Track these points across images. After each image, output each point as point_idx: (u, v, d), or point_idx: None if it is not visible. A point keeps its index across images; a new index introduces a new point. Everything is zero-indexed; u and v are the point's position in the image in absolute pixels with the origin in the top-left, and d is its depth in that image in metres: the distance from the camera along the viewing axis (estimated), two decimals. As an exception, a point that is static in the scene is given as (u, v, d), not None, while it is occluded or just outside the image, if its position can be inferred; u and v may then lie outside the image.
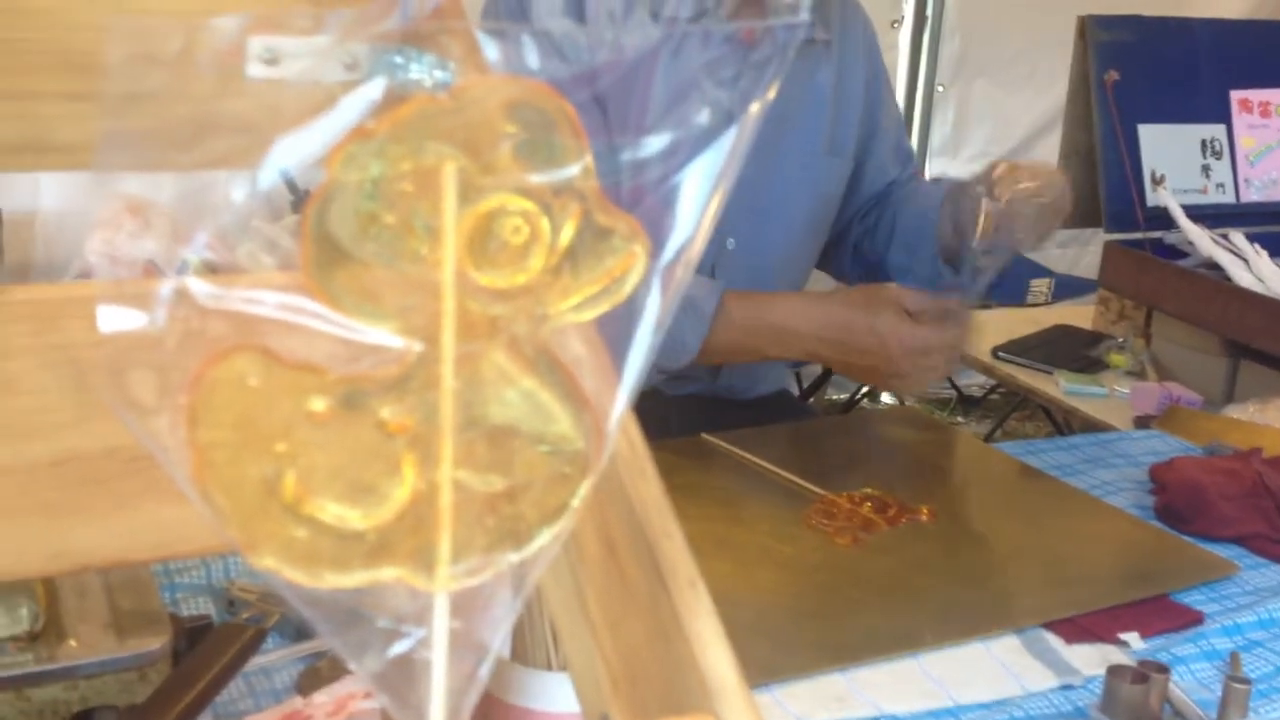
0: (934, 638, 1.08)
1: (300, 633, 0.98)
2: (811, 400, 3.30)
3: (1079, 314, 2.43)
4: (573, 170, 0.34)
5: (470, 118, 0.33)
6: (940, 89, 3.97)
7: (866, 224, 1.70)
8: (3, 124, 0.57)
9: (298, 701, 0.88)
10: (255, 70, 0.59)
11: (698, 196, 0.36)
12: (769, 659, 1.02)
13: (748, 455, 1.43)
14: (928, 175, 4.05)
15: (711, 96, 0.36)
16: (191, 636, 0.88)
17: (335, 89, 0.30)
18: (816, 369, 3.34)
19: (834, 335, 1.47)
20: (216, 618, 1.00)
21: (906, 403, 3.90)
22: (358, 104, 0.31)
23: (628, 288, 0.36)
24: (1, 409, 0.46)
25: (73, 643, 0.84)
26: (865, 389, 3.78)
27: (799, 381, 3.26)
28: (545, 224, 0.35)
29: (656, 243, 0.36)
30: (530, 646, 0.70)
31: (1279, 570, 1.29)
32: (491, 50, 0.33)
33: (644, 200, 0.36)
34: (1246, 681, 0.98)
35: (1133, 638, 1.12)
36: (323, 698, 0.86)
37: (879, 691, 1.01)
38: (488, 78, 0.33)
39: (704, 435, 1.48)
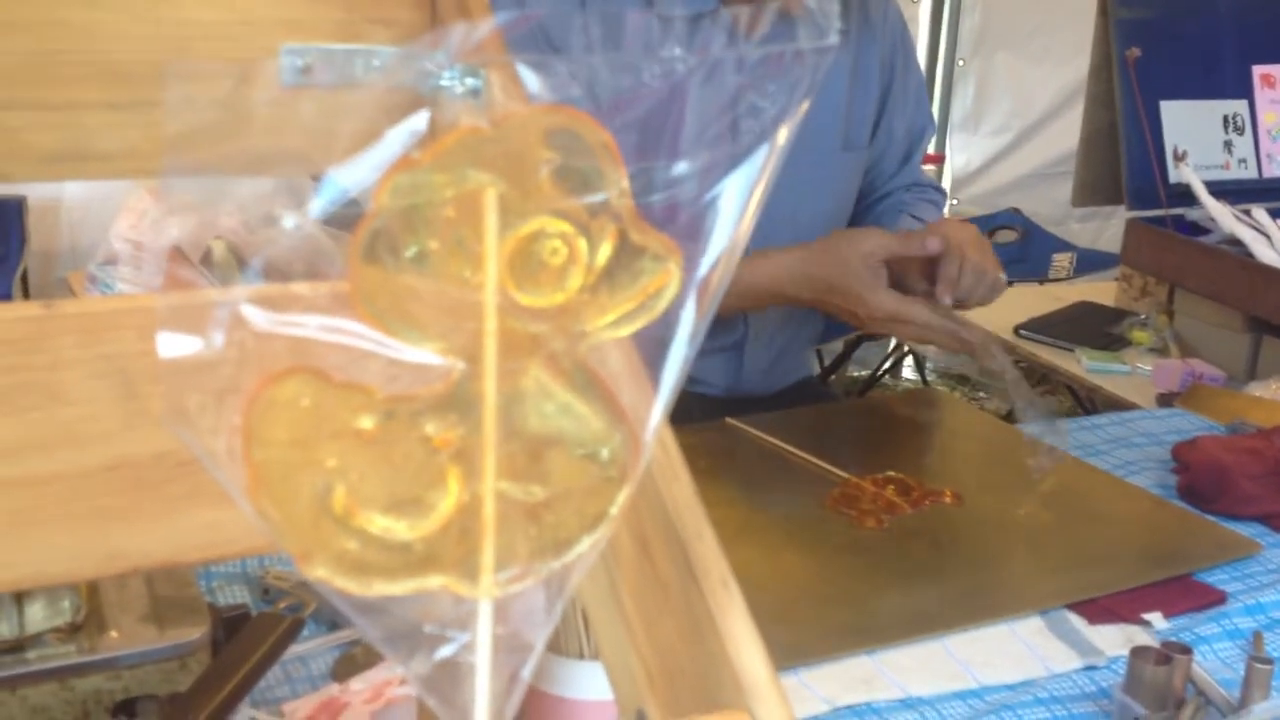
0: (958, 620, 1.10)
1: (336, 621, 1.00)
2: (833, 378, 3.31)
3: (1101, 290, 2.44)
4: (609, 193, 0.35)
5: (510, 146, 0.34)
6: (961, 63, 3.96)
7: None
8: (45, 133, 0.59)
9: (334, 688, 0.90)
10: (289, 79, 0.60)
11: (730, 214, 0.38)
12: (795, 642, 1.04)
13: (770, 439, 1.44)
14: (948, 150, 4.04)
15: (743, 120, 0.37)
16: (229, 626, 0.90)
17: (382, 125, 0.31)
18: (837, 346, 3.35)
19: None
20: (253, 605, 1.02)
21: (928, 376, 3.91)
22: (403, 136, 0.32)
23: (663, 304, 0.37)
24: (54, 418, 0.48)
25: (114, 634, 0.86)
26: (887, 367, 3.78)
27: (820, 360, 3.26)
28: (583, 245, 0.36)
29: (690, 260, 0.37)
30: (564, 637, 0.72)
31: (1302, 548, 1.30)
32: (531, 80, 0.34)
33: (678, 219, 0.37)
34: (1269, 661, 0.99)
35: (1156, 618, 1.13)
36: (359, 685, 0.88)
37: (905, 674, 1.03)
38: (527, 107, 0.34)
39: (727, 420, 1.49)
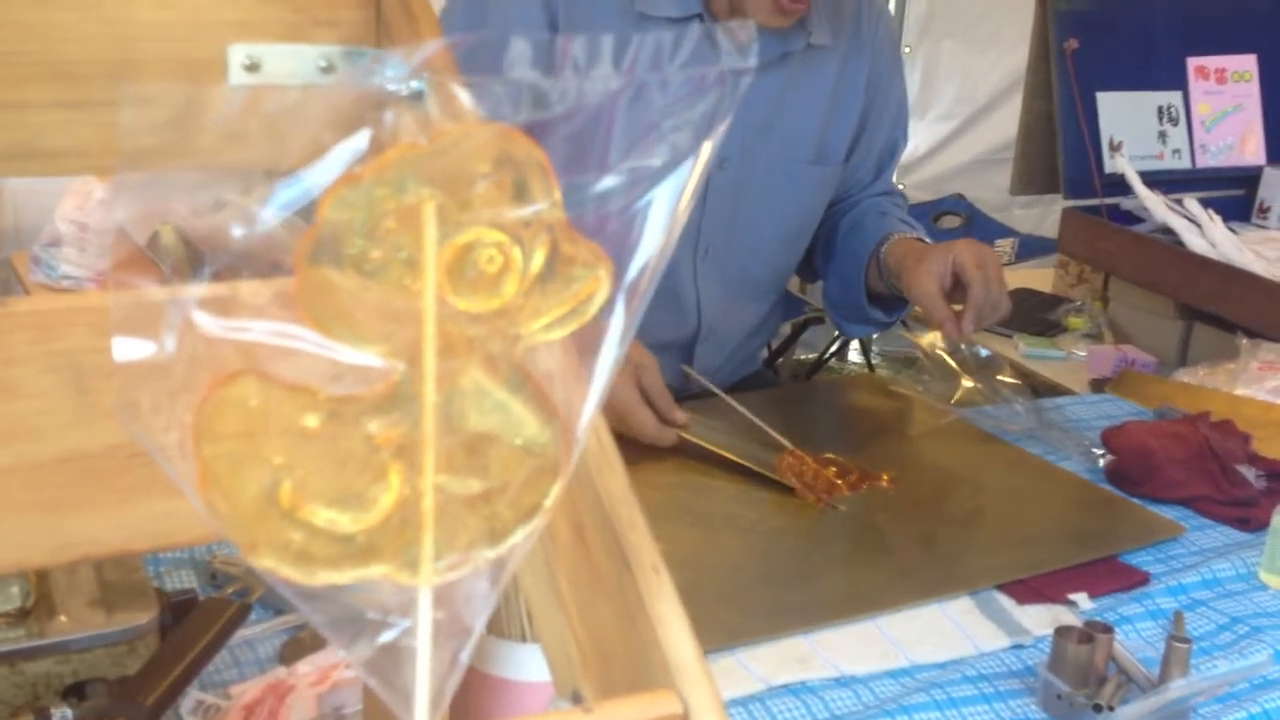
0: (892, 600, 1.13)
1: (282, 607, 1.02)
2: (780, 361, 3.35)
3: (1040, 277, 2.48)
4: (542, 205, 0.38)
5: (449, 160, 0.36)
6: (907, 50, 4.00)
7: (823, 231, 1.70)
8: (-4, 131, 0.60)
9: (281, 671, 0.92)
10: (237, 78, 0.62)
11: (657, 224, 0.40)
12: (734, 622, 1.07)
13: (725, 397, 1.48)
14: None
15: (669, 136, 0.39)
16: (177, 611, 0.92)
17: (328, 144, 0.33)
18: (785, 329, 3.38)
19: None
20: (200, 590, 1.04)
21: (873, 360, 3.96)
22: (346, 153, 0.34)
23: (593, 309, 0.40)
24: (7, 412, 0.50)
25: (63, 618, 0.87)
26: (834, 349, 3.82)
27: (768, 345, 3.30)
28: (517, 254, 0.38)
29: (619, 267, 0.40)
30: (506, 621, 0.74)
31: (1224, 531, 1.34)
32: (469, 98, 0.36)
33: (607, 229, 0.39)
34: (1187, 641, 1.03)
35: (1081, 598, 1.17)
36: (306, 668, 0.90)
37: (840, 653, 1.06)
38: (465, 124, 0.36)
39: (684, 367, 1.53)
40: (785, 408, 1.62)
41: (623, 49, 0.35)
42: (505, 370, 0.40)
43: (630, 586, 0.48)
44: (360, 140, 0.34)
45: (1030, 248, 3.65)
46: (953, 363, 1.60)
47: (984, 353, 1.68)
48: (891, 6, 4.01)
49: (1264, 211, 2.28)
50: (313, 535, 0.39)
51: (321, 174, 0.34)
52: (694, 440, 1.40)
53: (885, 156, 1.70)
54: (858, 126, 1.63)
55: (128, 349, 0.34)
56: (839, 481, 1.34)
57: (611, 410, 1.39)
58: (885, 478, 1.37)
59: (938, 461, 1.46)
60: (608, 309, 0.40)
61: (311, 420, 0.37)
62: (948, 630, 1.11)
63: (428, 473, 0.39)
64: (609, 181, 0.39)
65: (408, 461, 0.39)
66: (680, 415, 1.40)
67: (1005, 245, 3.60)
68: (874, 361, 3.95)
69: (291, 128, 0.34)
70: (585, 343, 0.41)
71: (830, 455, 1.40)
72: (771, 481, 1.34)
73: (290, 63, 0.62)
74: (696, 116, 0.38)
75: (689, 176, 0.40)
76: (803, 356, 3.87)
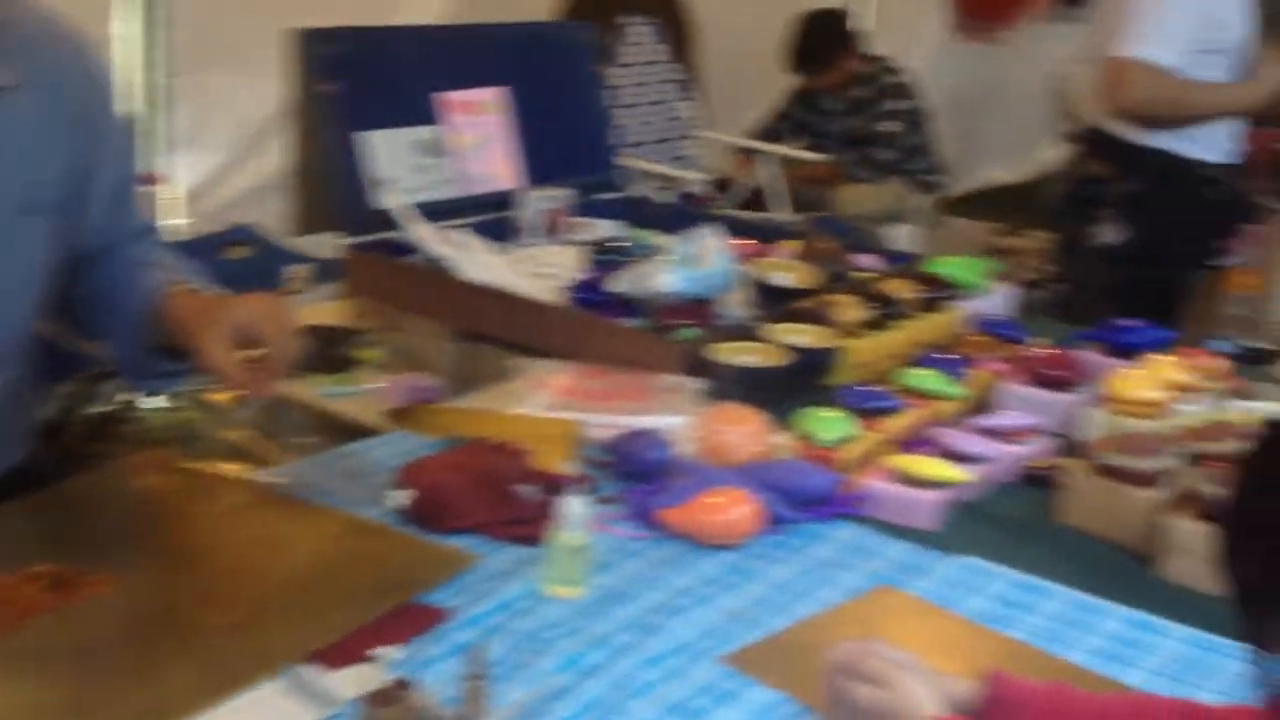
0: (189, 706, 1.07)
1: None
2: (69, 424, 3.10)
3: (332, 310, 2.52)
4: None
5: None
6: (173, 80, 3.87)
7: (85, 288, 1.58)
8: None
9: None
10: None
11: None
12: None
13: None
14: (173, 169, 3.95)
15: None
16: None
17: None
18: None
19: None
20: None
21: (176, 403, 3.80)
22: None
23: None
24: None
25: None
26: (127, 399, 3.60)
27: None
28: None
29: None
30: None
31: (513, 551, 1.44)
32: None
33: None
34: (480, 676, 1.09)
35: (387, 650, 1.20)
36: None
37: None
38: None
39: None
40: (38, 521, 1.44)
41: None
42: None
43: None
44: None
45: (329, 270, 3.69)
46: (249, 423, 1.57)
47: (280, 406, 1.67)
48: (158, 37, 3.85)
49: (523, 230, 2.48)
50: None
51: None
52: None
53: (122, 196, 1.59)
54: (75, 169, 1.50)
55: None
56: (47, 595, 1.22)
57: None
58: (104, 580, 1.26)
59: (234, 537, 1.41)
60: None
61: None
62: (262, 717, 1.09)
63: None
64: None
65: None
66: None
67: (299, 272, 3.61)
68: (177, 404, 3.79)
69: None
70: None
71: (42, 568, 1.26)
72: None
73: None
74: None
75: None
76: (104, 409, 3.63)
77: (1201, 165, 2.80)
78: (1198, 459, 1.56)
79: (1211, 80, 2.72)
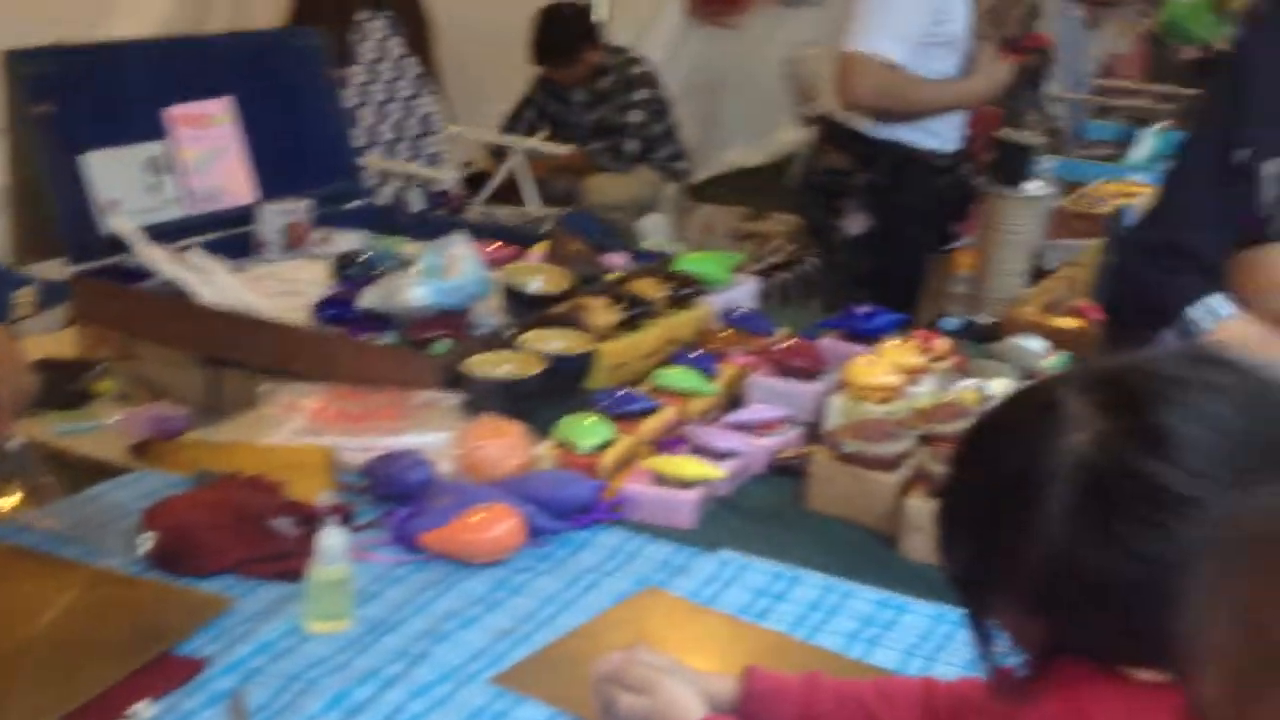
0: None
1: None
2: None
3: (61, 340, 2.38)
4: None
5: None
6: None
7: None
8: None
9: None
10: None
11: None
12: None
13: None
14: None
15: None
16: None
17: None
18: None
19: None
20: None
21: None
22: None
23: None
24: None
25: None
26: None
27: None
28: None
29: None
30: None
31: (272, 589, 1.40)
32: None
33: None
34: (243, 728, 1.07)
35: (142, 706, 1.16)
36: None
37: None
38: None
39: None
40: None
41: None
42: None
43: None
44: None
45: (57, 293, 3.49)
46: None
47: (16, 448, 1.58)
48: None
49: (262, 246, 2.41)
50: None
51: None
52: None
53: None
54: None
55: None
56: None
57: None
58: None
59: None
60: None
61: None
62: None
63: None
64: None
65: None
66: None
67: (25, 295, 3.41)
68: None
69: None
70: None
71: None
72: None
73: None
74: None
75: None
76: None
77: (934, 155, 2.94)
78: (927, 439, 1.65)
79: (939, 71, 2.85)
